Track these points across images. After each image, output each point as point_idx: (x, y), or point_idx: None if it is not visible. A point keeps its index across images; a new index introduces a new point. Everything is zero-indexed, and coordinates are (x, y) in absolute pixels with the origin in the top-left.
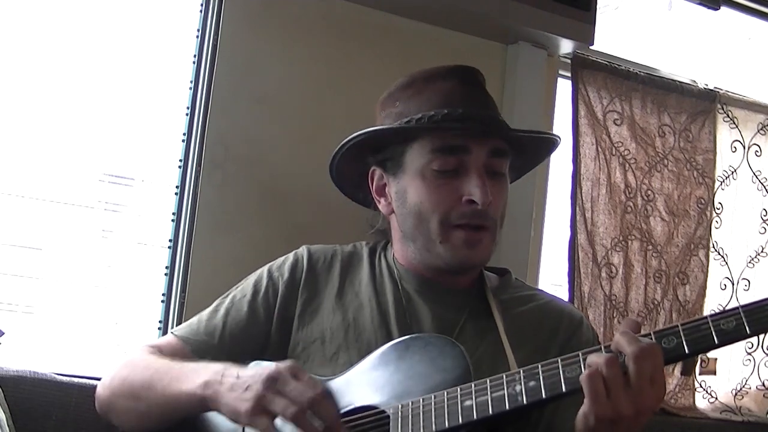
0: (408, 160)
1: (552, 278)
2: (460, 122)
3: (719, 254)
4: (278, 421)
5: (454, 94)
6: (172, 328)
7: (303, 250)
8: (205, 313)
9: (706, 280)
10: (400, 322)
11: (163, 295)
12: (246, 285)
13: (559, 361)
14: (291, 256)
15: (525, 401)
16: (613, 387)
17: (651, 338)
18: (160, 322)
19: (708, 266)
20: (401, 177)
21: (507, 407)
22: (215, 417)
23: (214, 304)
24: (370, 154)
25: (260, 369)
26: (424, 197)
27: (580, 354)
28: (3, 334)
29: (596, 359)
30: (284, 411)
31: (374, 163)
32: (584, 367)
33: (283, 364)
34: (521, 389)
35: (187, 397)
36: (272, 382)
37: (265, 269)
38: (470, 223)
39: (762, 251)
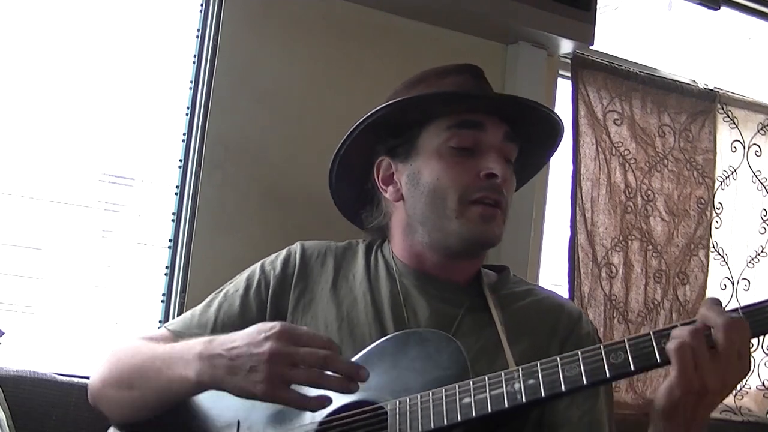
0: (423, 142)
1: (552, 278)
2: (477, 99)
3: (719, 254)
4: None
5: (466, 85)
6: None
7: (296, 246)
8: (198, 308)
9: (706, 280)
10: (395, 317)
11: (163, 295)
12: (239, 280)
13: (558, 359)
14: (284, 251)
15: (524, 400)
16: (701, 359)
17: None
18: (160, 322)
19: (708, 266)
20: (414, 160)
21: (506, 405)
22: (212, 403)
23: (208, 299)
24: (380, 141)
25: (252, 341)
26: (441, 174)
27: (580, 353)
28: (3, 334)
29: (682, 332)
30: (305, 381)
31: (384, 152)
32: (583, 366)
33: (275, 333)
34: (520, 387)
35: (180, 382)
36: (279, 358)
37: (258, 264)
38: (488, 196)
39: (762, 251)
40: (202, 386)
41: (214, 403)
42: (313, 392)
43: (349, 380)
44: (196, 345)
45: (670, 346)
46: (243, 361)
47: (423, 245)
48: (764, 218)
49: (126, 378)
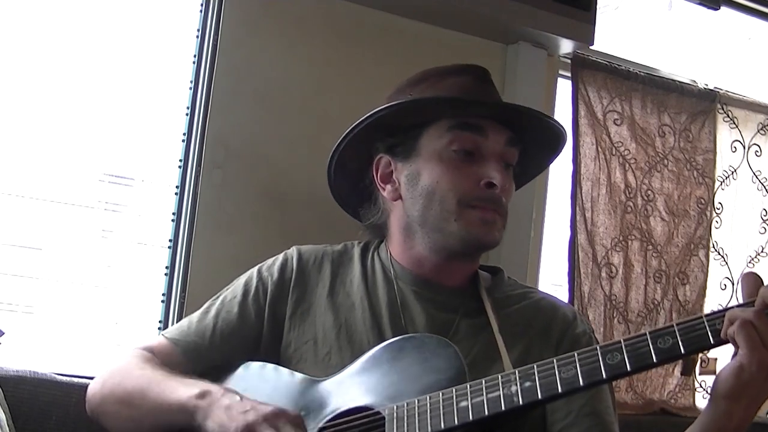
0: (423, 143)
1: (552, 278)
2: (480, 104)
3: (719, 254)
4: None
5: (468, 87)
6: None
7: (293, 251)
8: (195, 315)
9: (706, 280)
10: (393, 323)
11: (163, 295)
12: (236, 286)
13: (555, 361)
14: (281, 256)
15: (521, 402)
16: (767, 335)
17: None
18: (160, 322)
19: (708, 266)
20: (414, 160)
21: (503, 408)
22: None
23: (205, 306)
24: (380, 139)
25: (264, 404)
26: (441, 177)
27: (576, 354)
28: (3, 334)
29: (740, 313)
30: None
31: (383, 149)
32: (580, 368)
33: (290, 411)
34: (517, 390)
35: (178, 405)
36: (274, 418)
37: (255, 270)
38: (486, 206)
39: (762, 251)
40: (194, 411)
41: None
42: None
43: None
44: (212, 384)
45: (734, 327)
46: (246, 405)
47: (423, 247)
48: (764, 218)
49: (127, 397)
